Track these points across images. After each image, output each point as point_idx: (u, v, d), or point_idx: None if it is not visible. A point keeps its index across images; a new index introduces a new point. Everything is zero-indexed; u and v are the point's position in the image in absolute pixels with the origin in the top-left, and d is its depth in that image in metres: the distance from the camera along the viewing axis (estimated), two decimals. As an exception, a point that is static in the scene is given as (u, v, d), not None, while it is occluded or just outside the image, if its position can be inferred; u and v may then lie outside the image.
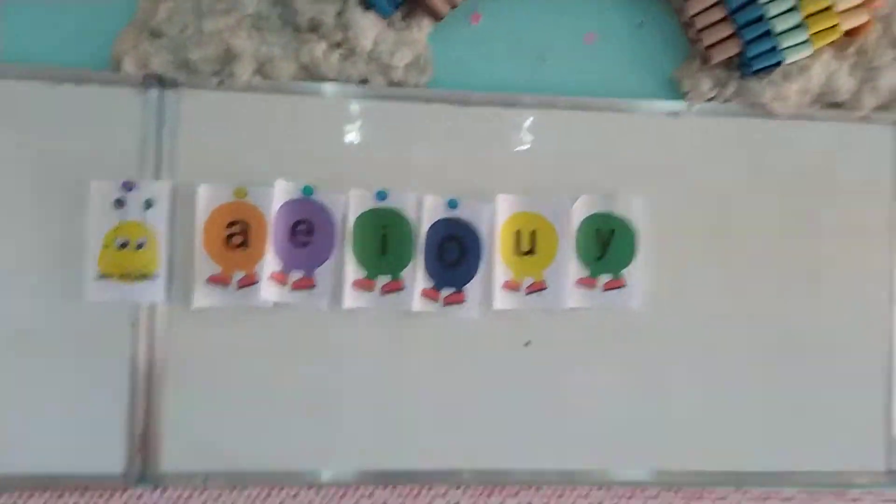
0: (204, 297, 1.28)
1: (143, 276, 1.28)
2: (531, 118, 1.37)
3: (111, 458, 1.28)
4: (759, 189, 1.40)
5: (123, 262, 1.28)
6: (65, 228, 1.27)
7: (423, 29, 1.32)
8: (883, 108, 1.42)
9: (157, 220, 1.28)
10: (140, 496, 1.31)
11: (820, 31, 1.31)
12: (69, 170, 1.27)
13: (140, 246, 1.28)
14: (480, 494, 1.39)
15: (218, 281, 1.29)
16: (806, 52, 1.32)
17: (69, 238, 1.27)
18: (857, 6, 1.31)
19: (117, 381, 1.28)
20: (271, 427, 1.31)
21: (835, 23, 1.31)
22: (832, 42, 1.34)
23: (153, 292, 1.28)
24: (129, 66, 1.27)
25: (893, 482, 1.42)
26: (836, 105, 1.42)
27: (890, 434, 1.41)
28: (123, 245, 1.28)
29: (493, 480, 1.37)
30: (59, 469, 1.28)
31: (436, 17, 1.31)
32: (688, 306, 1.38)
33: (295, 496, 1.35)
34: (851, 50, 1.39)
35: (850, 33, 1.35)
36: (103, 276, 1.27)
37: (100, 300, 1.27)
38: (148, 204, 1.28)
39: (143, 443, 1.28)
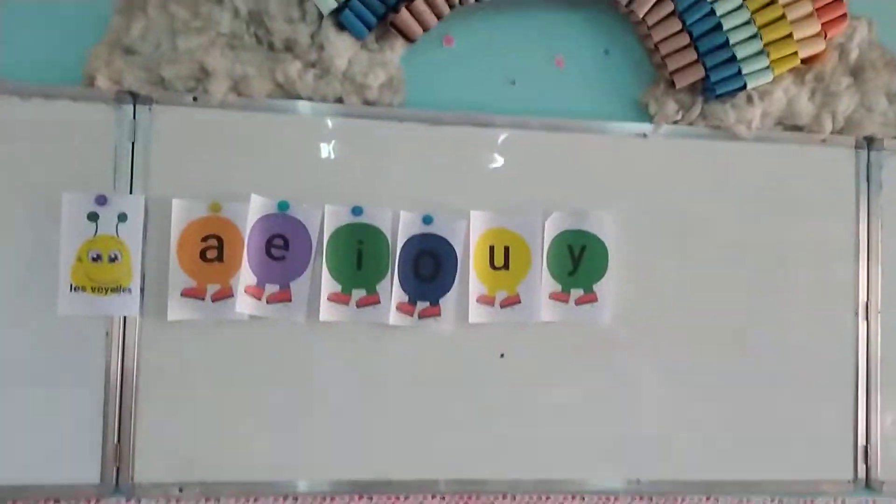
0: (178, 311, 1.29)
1: (117, 289, 1.28)
2: (503, 137, 1.40)
3: (86, 468, 1.28)
4: (724, 207, 1.45)
5: (97, 275, 1.28)
6: (38, 242, 1.27)
7: (396, 50, 1.34)
8: (842, 131, 1.47)
9: (131, 233, 1.29)
10: (114, 507, 1.32)
11: (780, 58, 1.36)
12: (43, 184, 1.27)
13: (113, 259, 1.29)
14: (457, 503, 1.41)
15: (192, 294, 1.30)
16: (767, 77, 1.37)
17: (43, 251, 1.27)
18: (814, 35, 1.36)
19: (92, 392, 1.28)
20: (247, 438, 1.32)
21: (794, 50, 1.35)
22: (792, 69, 1.39)
23: (127, 305, 1.29)
24: (103, 83, 1.27)
25: (861, 491, 1.47)
26: (798, 128, 1.47)
27: (857, 443, 1.46)
28: (97, 258, 1.28)
29: (468, 490, 1.39)
30: (33, 480, 1.28)
31: (409, 38, 1.33)
32: (658, 320, 1.42)
33: (271, 507, 1.36)
34: (810, 76, 1.44)
35: (809, 61, 1.40)
36: (76, 288, 1.27)
37: (72, 313, 1.27)
38: (121, 218, 1.29)
39: (118, 454, 1.29)
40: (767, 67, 1.36)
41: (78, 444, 1.28)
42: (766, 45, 1.35)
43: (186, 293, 1.30)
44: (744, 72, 1.36)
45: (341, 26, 1.30)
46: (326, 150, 1.36)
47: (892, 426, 1.47)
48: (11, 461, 1.27)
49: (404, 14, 1.29)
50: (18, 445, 1.27)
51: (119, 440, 1.29)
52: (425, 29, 1.32)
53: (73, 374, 1.28)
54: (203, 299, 1.30)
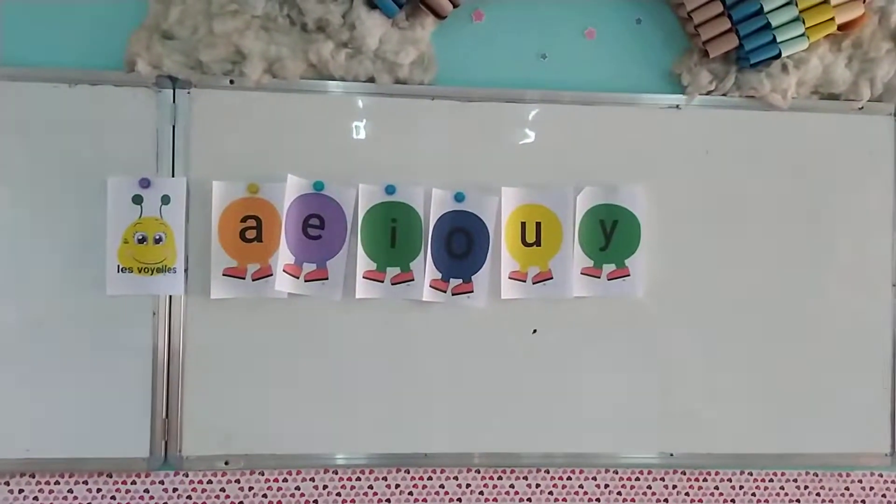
0: (221, 289, 1.33)
1: (162, 270, 1.33)
2: (534, 112, 1.40)
3: (136, 443, 1.34)
4: (759, 178, 1.43)
5: (143, 257, 1.33)
6: (87, 225, 1.31)
7: (426, 27, 1.35)
8: (880, 98, 1.44)
9: (174, 215, 1.33)
10: (163, 479, 1.37)
11: (816, 25, 1.33)
12: (88, 168, 1.31)
13: (158, 240, 1.33)
14: (490, 477, 1.44)
15: (234, 273, 1.34)
16: (802, 45, 1.34)
17: (91, 234, 1.31)
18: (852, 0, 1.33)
19: (140, 369, 1.33)
20: (287, 412, 1.36)
21: (830, 16, 1.32)
22: (828, 35, 1.36)
23: (172, 285, 1.33)
24: (143, 68, 1.31)
25: (897, 464, 1.46)
26: (834, 96, 1.44)
27: (894, 417, 1.44)
28: (142, 240, 1.32)
29: (502, 463, 1.42)
30: (86, 454, 1.33)
31: (439, 15, 1.33)
32: (691, 294, 1.42)
33: (311, 479, 1.41)
34: (847, 42, 1.40)
35: (846, 26, 1.37)
36: (124, 269, 1.32)
37: (120, 293, 1.32)
38: (164, 200, 1.33)
39: (166, 428, 1.34)
40: (803, 35, 1.33)
41: (128, 419, 1.33)
42: (801, 11, 1.32)
43: (228, 272, 1.34)
44: (778, 40, 1.33)
45: (372, 5, 1.31)
46: (359, 129, 1.37)
47: (930, 399, 1.45)
48: (65, 436, 1.32)
49: (434, -9, 1.30)
50: (71, 421, 1.32)
51: (167, 415, 1.34)
52: (455, 5, 1.32)
53: (122, 351, 1.33)
54: (244, 278, 1.34)
